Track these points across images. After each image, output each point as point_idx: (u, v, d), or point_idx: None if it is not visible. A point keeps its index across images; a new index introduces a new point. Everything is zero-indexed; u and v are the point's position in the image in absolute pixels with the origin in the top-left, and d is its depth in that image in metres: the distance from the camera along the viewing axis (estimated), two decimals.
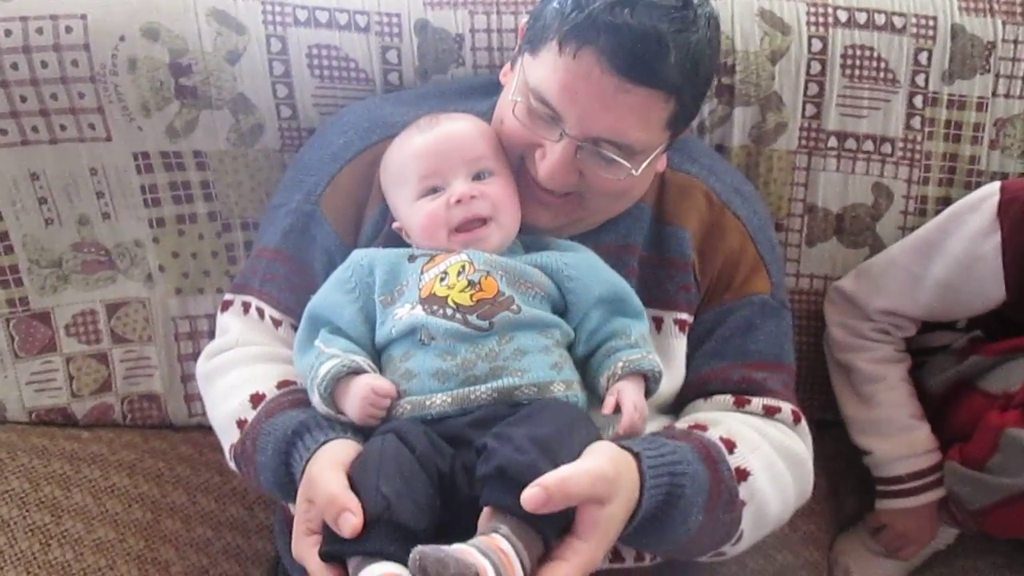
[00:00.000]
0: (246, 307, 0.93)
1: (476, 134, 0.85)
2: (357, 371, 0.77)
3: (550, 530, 0.68)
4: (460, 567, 0.61)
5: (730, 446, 0.83)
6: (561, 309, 0.83)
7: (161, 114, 1.05)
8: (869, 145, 1.15)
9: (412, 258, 0.83)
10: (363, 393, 0.75)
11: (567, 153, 0.81)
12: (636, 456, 0.73)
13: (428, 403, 0.75)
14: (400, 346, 0.79)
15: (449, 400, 0.75)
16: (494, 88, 0.94)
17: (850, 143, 1.14)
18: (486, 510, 0.68)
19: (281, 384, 0.85)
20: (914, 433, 1.11)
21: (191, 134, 1.06)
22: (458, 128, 0.86)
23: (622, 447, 0.73)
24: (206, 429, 0.90)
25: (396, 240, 0.88)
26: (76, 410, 1.15)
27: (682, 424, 0.87)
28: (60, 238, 1.09)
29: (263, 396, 0.83)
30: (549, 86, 0.80)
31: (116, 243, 1.11)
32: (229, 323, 0.93)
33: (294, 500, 0.77)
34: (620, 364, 0.79)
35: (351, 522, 0.67)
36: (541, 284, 0.82)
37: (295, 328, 0.87)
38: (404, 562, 0.63)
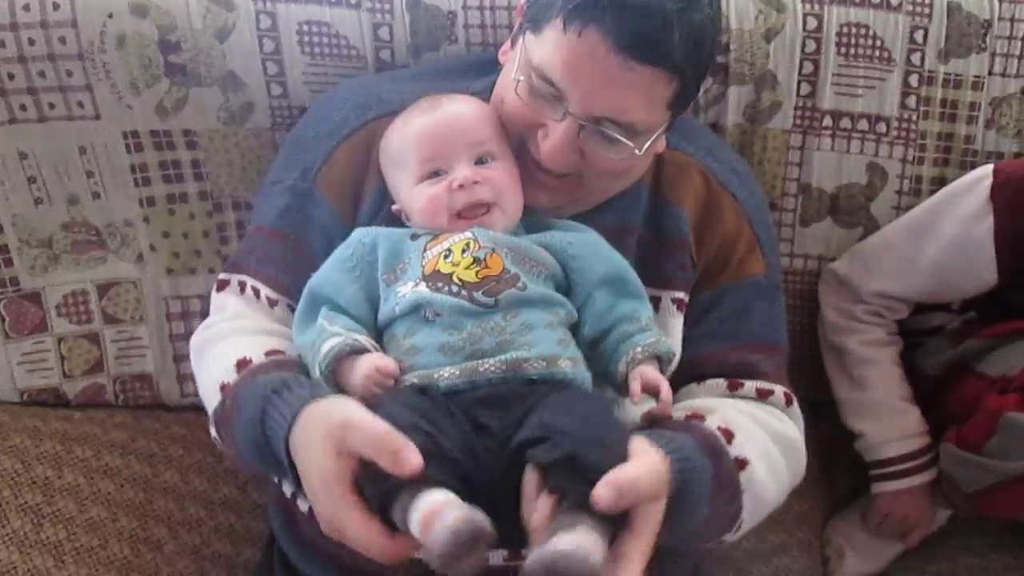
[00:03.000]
0: (242, 286, 0.91)
1: (479, 117, 0.84)
2: (360, 350, 0.76)
3: (617, 527, 0.67)
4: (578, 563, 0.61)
5: (728, 436, 0.82)
6: (564, 289, 0.82)
7: (150, 92, 1.04)
8: (864, 124, 1.14)
9: (415, 236, 0.82)
10: (366, 372, 0.75)
11: (570, 132, 0.81)
12: None
13: (436, 376, 0.75)
14: (404, 323, 0.78)
15: (457, 372, 0.74)
16: (490, 67, 0.93)
17: (845, 122, 1.14)
18: (548, 498, 0.67)
19: (270, 352, 0.83)
20: (905, 416, 1.12)
21: (181, 112, 1.05)
22: (461, 111, 0.85)
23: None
24: (199, 409, 0.89)
25: (395, 221, 0.87)
26: (68, 390, 1.14)
27: (678, 412, 0.86)
28: (50, 218, 1.08)
29: (249, 361, 0.81)
30: (553, 64, 0.80)
31: (106, 223, 1.09)
32: (226, 301, 0.91)
33: (269, 466, 0.76)
34: (639, 349, 0.79)
35: (412, 459, 0.64)
36: (545, 263, 0.81)
37: (292, 309, 0.86)
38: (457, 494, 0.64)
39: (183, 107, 1.05)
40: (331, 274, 0.83)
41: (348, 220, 0.90)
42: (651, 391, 0.78)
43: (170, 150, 1.07)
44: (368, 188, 0.90)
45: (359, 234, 0.84)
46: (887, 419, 1.12)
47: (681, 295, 0.92)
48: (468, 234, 0.81)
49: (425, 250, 0.81)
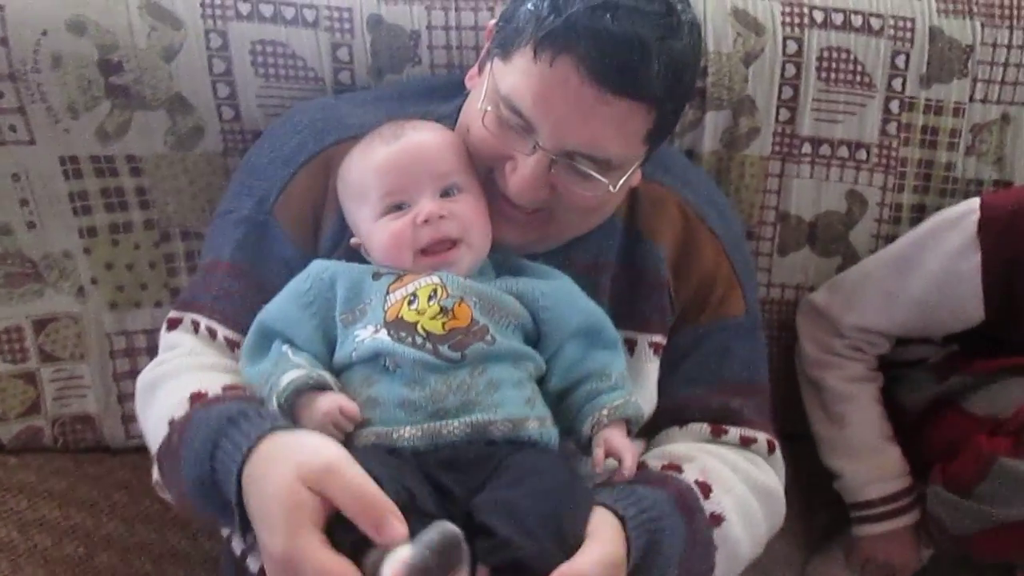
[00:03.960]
0: (196, 325, 0.85)
1: (445, 147, 0.80)
2: (323, 386, 0.72)
3: None
4: None
5: (705, 490, 0.80)
6: (534, 339, 0.79)
7: (90, 115, 0.98)
8: (844, 151, 1.12)
9: (377, 275, 0.78)
10: (328, 410, 0.70)
11: (540, 167, 0.77)
12: (622, 520, 0.70)
13: (395, 435, 0.70)
14: (361, 370, 0.74)
15: (419, 433, 0.70)
16: (456, 89, 0.90)
17: (824, 149, 1.12)
18: None
19: (228, 388, 0.77)
20: (885, 455, 1.09)
21: (124, 137, 1.00)
22: (425, 140, 0.80)
23: (607, 506, 0.71)
24: (145, 452, 0.84)
25: (356, 254, 0.83)
26: (1, 434, 1.07)
27: (655, 461, 0.84)
28: None
29: (204, 394, 0.75)
30: (522, 95, 0.75)
31: (43, 254, 1.03)
32: (179, 339, 0.85)
33: (213, 505, 0.70)
34: (605, 412, 0.75)
35: (398, 530, 0.60)
36: (515, 313, 0.77)
37: None
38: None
39: (126, 131, 1.00)
40: (285, 308, 0.79)
41: (309, 251, 0.85)
42: (615, 458, 0.75)
43: (112, 177, 1.02)
44: (327, 218, 0.86)
45: (317, 267, 0.80)
46: (866, 459, 1.09)
47: (658, 338, 0.89)
48: (435, 279, 0.76)
49: (388, 292, 0.76)
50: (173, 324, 0.87)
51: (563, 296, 0.80)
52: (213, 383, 0.77)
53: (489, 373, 0.73)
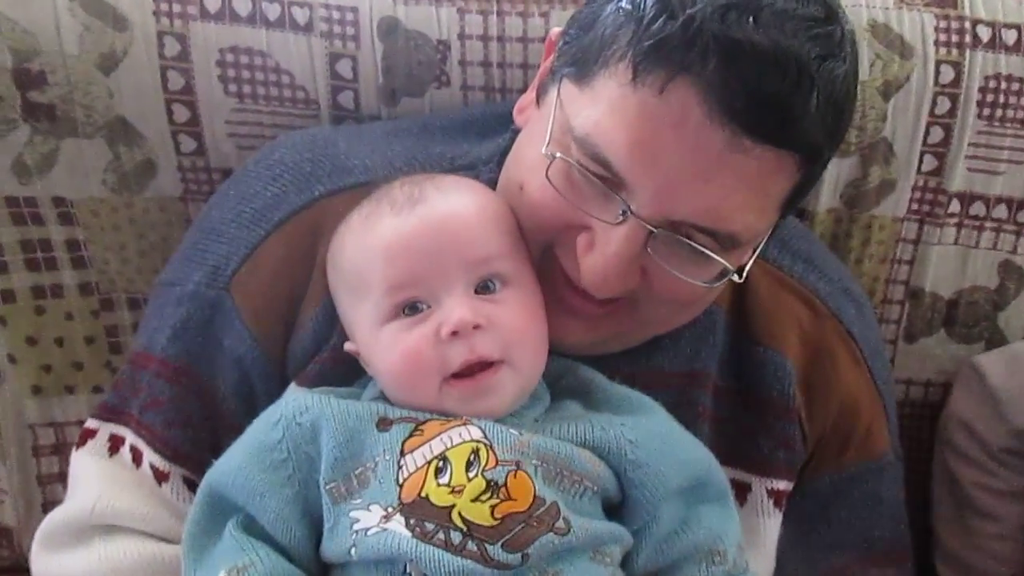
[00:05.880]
0: (115, 444, 0.72)
1: (483, 218, 0.62)
2: None
3: None
4: None
5: None
6: (616, 502, 0.62)
7: (3, 144, 0.84)
8: (1001, 211, 0.93)
9: (385, 423, 0.60)
10: None
11: (632, 243, 0.59)
12: None
13: None
14: (368, 573, 0.57)
15: None
16: (500, 123, 0.74)
17: (977, 208, 0.93)
18: None
19: None
20: None
21: (48, 173, 0.86)
22: (455, 209, 0.62)
23: None
24: None
25: (348, 364, 0.65)
26: None
27: None
28: None
29: None
30: (611, 136, 0.57)
31: None
32: (85, 472, 0.72)
33: None
34: None
35: None
36: (593, 476, 0.59)
37: (189, 485, 0.68)
38: None
39: (52, 166, 0.86)
40: (246, 470, 0.60)
41: (275, 352, 0.70)
42: None
43: (36, 225, 0.88)
44: (309, 305, 0.69)
45: (294, 406, 0.61)
46: None
47: (782, 485, 0.74)
48: (475, 432, 0.58)
49: (403, 453, 0.58)
50: (84, 438, 0.73)
51: (659, 444, 0.62)
52: None
53: None
